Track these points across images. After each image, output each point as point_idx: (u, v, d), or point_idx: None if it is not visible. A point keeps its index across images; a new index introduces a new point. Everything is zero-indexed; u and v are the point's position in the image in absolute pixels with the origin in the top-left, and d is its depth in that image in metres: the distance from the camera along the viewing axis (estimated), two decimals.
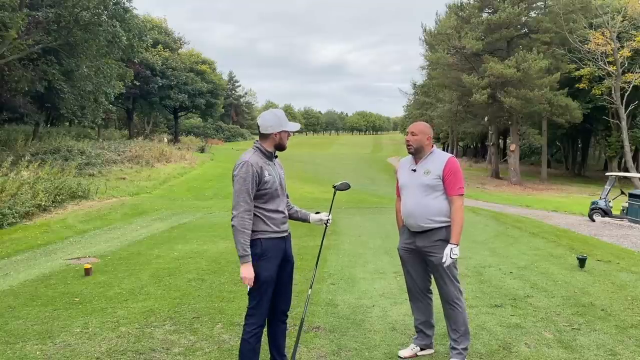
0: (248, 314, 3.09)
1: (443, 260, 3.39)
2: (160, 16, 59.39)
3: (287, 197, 3.36)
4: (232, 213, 2.98)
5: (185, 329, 4.29)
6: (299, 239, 8.32)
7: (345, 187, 3.61)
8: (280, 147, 3.16)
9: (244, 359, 3.07)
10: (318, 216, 3.36)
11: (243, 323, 3.13)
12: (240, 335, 3.13)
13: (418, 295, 3.70)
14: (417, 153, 3.55)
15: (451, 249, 3.38)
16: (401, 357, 3.66)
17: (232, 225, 2.97)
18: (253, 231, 3.00)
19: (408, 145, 3.55)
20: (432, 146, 3.59)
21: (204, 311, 4.76)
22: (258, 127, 3.14)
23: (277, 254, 3.08)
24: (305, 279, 6.00)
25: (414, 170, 3.55)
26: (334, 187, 3.57)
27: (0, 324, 4.47)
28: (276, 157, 3.23)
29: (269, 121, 3.10)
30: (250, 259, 2.96)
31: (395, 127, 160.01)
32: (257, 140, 3.18)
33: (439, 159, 3.50)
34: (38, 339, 4.09)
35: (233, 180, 3.02)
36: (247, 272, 2.95)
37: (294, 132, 3.30)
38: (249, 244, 2.95)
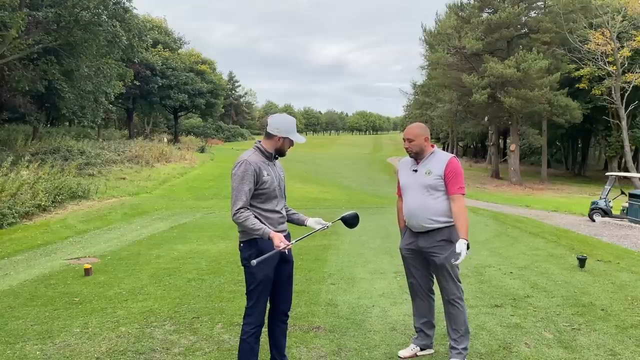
0: (246, 314, 3.10)
1: (458, 251, 3.28)
2: (160, 16, 59.48)
3: (285, 199, 3.34)
4: (232, 210, 3.00)
5: (185, 329, 4.29)
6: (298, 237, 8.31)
7: (353, 220, 3.35)
8: (280, 152, 3.18)
9: (243, 359, 3.08)
10: (316, 219, 3.27)
11: (242, 323, 3.13)
12: (240, 336, 3.13)
13: (421, 295, 3.70)
14: (418, 156, 3.54)
15: (459, 243, 3.29)
16: (401, 357, 3.65)
17: (235, 221, 2.99)
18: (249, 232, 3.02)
19: (408, 151, 3.54)
20: (433, 146, 3.58)
21: (204, 311, 4.76)
22: (266, 124, 3.16)
23: (274, 255, 3.07)
24: (305, 279, 6.00)
25: (415, 171, 3.54)
26: (342, 219, 3.36)
27: (0, 324, 4.47)
28: (276, 158, 3.23)
29: (278, 123, 3.12)
30: (269, 230, 2.95)
31: (395, 127, 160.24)
32: (258, 141, 3.20)
33: (440, 159, 3.49)
34: (38, 339, 4.09)
35: (231, 179, 3.04)
36: (277, 238, 2.93)
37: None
38: (258, 222, 2.96)
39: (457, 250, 3.30)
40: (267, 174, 3.06)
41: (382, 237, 9.27)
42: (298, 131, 3.22)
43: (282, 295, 3.25)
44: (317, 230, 3.22)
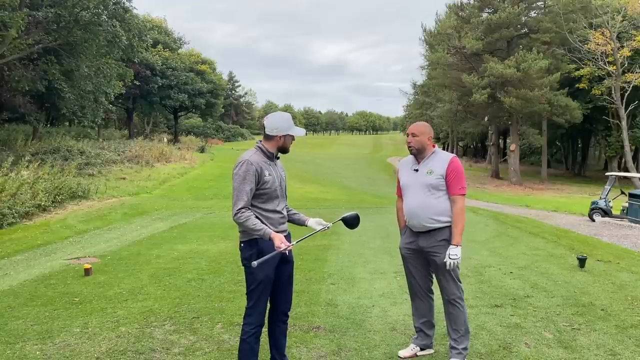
0: (246, 314, 3.10)
1: (444, 260, 3.39)
2: (160, 16, 59.48)
3: (286, 199, 3.33)
4: (233, 210, 2.99)
5: (185, 329, 4.29)
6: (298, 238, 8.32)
7: (353, 221, 3.34)
8: (283, 150, 3.19)
9: (243, 359, 3.07)
10: (317, 220, 3.27)
11: (242, 323, 3.13)
12: (240, 336, 3.13)
13: (420, 295, 3.70)
14: (419, 153, 3.54)
15: (449, 250, 3.39)
16: (401, 357, 3.66)
17: (236, 221, 2.99)
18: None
19: (409, 147, 3.54)
20: (434, 146, 3.59)
21: (204, 311, 4.76)
22: (264, 127, 3.15)
23: (275, 255, 3.05)
24: (305, 279, 6.00)
25: (416, 170, 3.54)
26: (342, 219, 3.37)
27: (0, 324, 4.47)
28: (278, 158, 3.23)
29: (275, 123, 3.11)
30: (270, 230, 2.96)
31: (395, 127, 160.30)
32: (259, 141, 3.20)
33: (441, 158, 3.50)
34: (38, 339, 4.09)
35: (233, 178, 3.04)
36: (277, 239, 2.93)
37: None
38: (259, 223, 2.96)
39: (452, 257, 3.36)
40: (269, 174, 3.06)
41: (382, 237, 9.27)
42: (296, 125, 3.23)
43: (282, 295, 3.25)
44: (318, 231, 3.21)
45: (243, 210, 2.96)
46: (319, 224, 3.23)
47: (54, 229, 10.85)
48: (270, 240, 2.94)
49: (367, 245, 8.46)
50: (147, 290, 5.61)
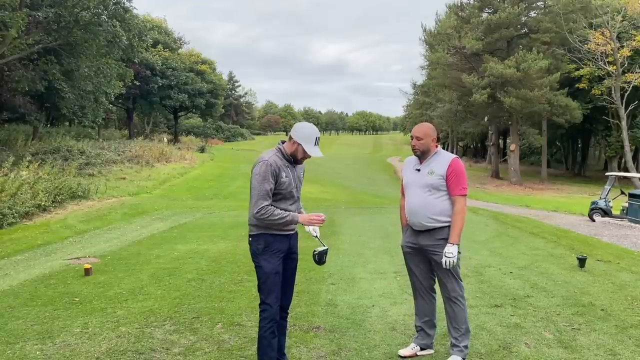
0: (261, 309, 3.17)
1: (450, 256, 3.38)
2: (160, 16, 59.49)
3: (299, 200, 3.46)
4: (253, 210, 3.07)
5: (185, 329, 4.29)
6: (300, 239, 8.32)
7: (320, 257, 3.47)
8: (293, 157, 3.25)
9: (263, 354, 3.15)
10: (309, 228, 3.43)
11: (258, 318, 3.20)
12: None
13: (422, 293, 3.72)
14: (423, 155, 3.59)
15: (445, 248, 3.41)
16: (401, 356, 3.66)
17: (259, 218, 3.07)
18: (259, 226, 3.13)
19: (414, 150, 3.59)
20: (437, 146, 3.61)
21: (204, 311, 4.76)
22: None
23: (281, 248, 3.19)
24: (306, 279, 6.00)
25: (418, 170, 3.58)
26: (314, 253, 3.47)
27: (0, 324, 4.47)
28: (299, 163, 3.32)
29: (298, 128, 3.25)
30: (295, 213, 3.18)
31: (395, 127, 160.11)
32: (281, 141, 3.30)
33: (443, 159, 3.53)
34: (38, 339, 4.09)
35: (252, 177, 3.14)
36: (306, 218, 3.18)
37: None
38: (283, 211, 3.10)
39: (448, 255, 3.38)
40: (286, 176, 3.17)
41: (382, 237, 9.27)
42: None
43: (284, 290, 3.30)
44: (313, 236, 3.43)
45: (266, 206, 3.06)
46: (308, 231, 3.46)
47: (54, 229, 10.85)
48: (298, 223, 3.17)
49: (367, 245, 8.46)
50: (147, 290, 5.61)
